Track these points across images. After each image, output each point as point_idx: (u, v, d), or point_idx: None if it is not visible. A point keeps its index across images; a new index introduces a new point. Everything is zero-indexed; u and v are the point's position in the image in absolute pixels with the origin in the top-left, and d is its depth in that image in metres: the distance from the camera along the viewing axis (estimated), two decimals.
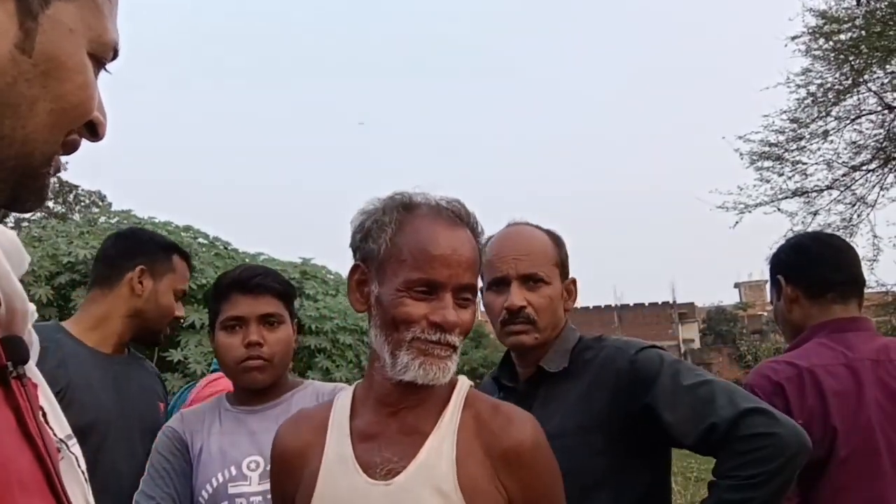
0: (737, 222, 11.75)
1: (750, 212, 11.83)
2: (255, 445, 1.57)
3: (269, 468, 1.45)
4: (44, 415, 0.62)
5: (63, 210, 24.67)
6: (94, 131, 0.61)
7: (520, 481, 1.11)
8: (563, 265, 1.66)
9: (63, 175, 25.55)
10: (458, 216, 1.16)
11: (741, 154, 11.66)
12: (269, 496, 1.46)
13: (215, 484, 1.54)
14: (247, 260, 9.06)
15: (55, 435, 0.64)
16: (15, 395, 0.53)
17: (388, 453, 1.12)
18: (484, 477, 1.10)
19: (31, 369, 0.62)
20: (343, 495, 1.09)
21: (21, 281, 0.59)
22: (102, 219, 11.90)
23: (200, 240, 10.18)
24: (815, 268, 1.86)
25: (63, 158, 0.61)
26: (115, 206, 17.52)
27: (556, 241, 1.68)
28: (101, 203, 24.42)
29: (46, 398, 0.64)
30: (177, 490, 1.55)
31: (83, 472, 0.66)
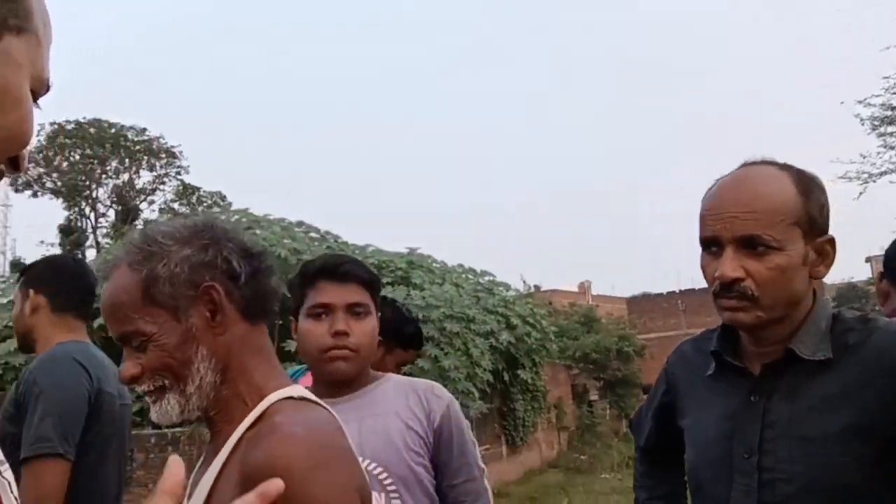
0: (861, 193, 11.03)
1: (874, 181, 11.06)
2: None
3: None
4: None
5: (187, 211, 26.25)
6: (16, 164, 0.64)
7: None
8: (809, 221, 1.29)
9: (185, 178, 27.24)
10: None
11: (861, 119, 10.92)
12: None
13: None
14: (356, 252, 9.37)
15: None
16: None
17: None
18: None
19: None
20: None
21: None
22: (223, 218, 12.50)
23: (312, 234, 10.62)
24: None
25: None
26: (234, 206, 18.45)
27: (805, 187, 1.30)
28: (221, 203, 25.81)
29: None
30: None
31: (16, 499, 0.68)
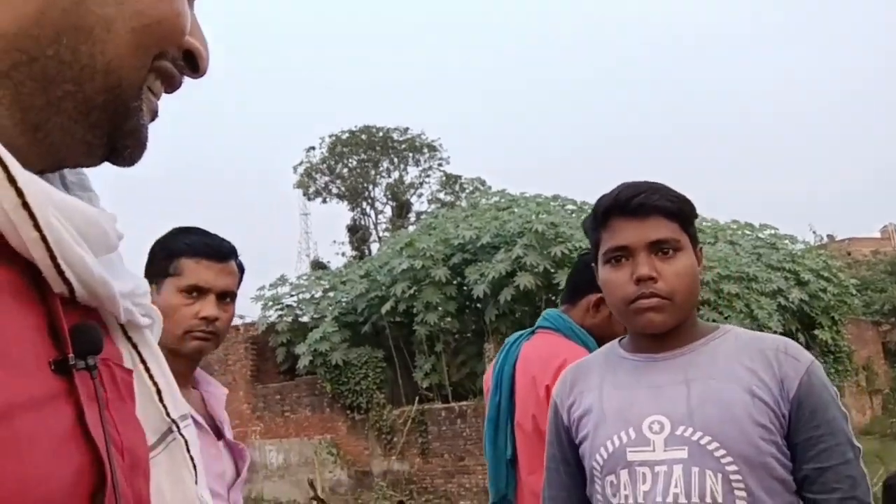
0: None
1: None
2: (657, 402, 1.31)
3: (677, 432, 1.27)
4: (158, 392, 0.59)
5: (452, 199, 27.76)
6: (193, 64, 0.54)
7: None
8: None
9: (447, 168, 28.78)
10: None
11: None
12: (678, 465, 1.25)
13: (611, 448, 1.32)
14: None
15: (168, 416, 0.60)
16: (77, 389, 0.46)
17: None
18: None
19: (148, 345, 0.59)
20: None
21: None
22: (483, 201, 13.07)
23: (568, 206, 10.55)
24: None
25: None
26: (493, 189, 19.10)
27: None
28: (481, 187, 26.82)
29: (164, 375, 0.60)
30: (572, 479, 1.46)
31: (192, 458, 0.61)
